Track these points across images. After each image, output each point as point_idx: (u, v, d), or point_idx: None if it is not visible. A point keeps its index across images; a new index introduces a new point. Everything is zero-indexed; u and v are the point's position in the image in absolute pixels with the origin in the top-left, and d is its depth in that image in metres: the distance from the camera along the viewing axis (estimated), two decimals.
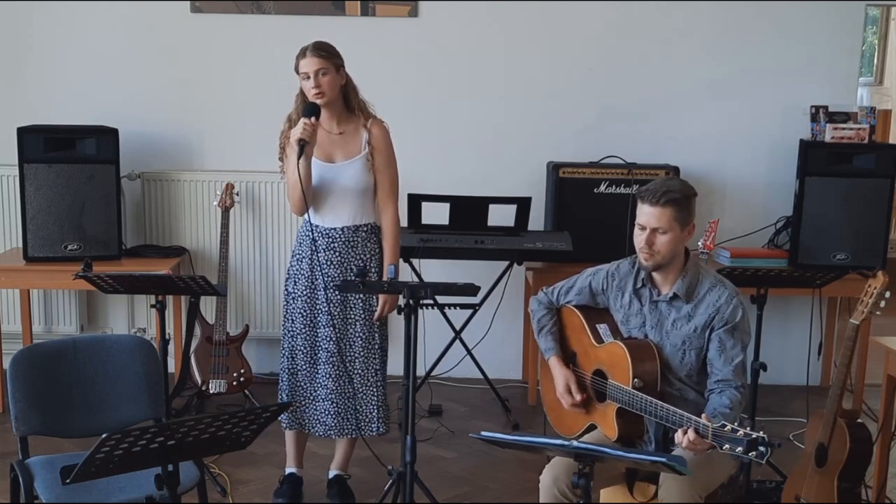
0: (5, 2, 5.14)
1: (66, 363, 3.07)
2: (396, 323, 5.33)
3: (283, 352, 3.74)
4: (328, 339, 3.66)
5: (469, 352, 4.87)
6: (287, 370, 3.72)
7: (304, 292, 3.67)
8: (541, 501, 2.93)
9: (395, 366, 5.14)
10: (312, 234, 3.61)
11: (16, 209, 4.94)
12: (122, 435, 2.13)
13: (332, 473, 3.88)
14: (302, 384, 3.71)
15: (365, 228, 3.67)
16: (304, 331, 3.68)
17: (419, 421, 4.56)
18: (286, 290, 3.74)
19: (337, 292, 3.62)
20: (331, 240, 3.62)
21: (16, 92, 5.21)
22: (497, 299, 4.82)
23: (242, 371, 4.74)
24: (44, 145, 4.64)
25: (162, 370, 3.23)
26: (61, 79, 5.21)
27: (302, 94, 3.60)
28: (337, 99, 3.59)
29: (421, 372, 4.56)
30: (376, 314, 3.69)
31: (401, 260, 4.62)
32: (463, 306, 4.39)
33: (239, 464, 4.15)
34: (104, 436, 2.12)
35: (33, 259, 4.67)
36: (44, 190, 4.64)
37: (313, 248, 3.62)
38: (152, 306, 3.62)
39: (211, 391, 4.71)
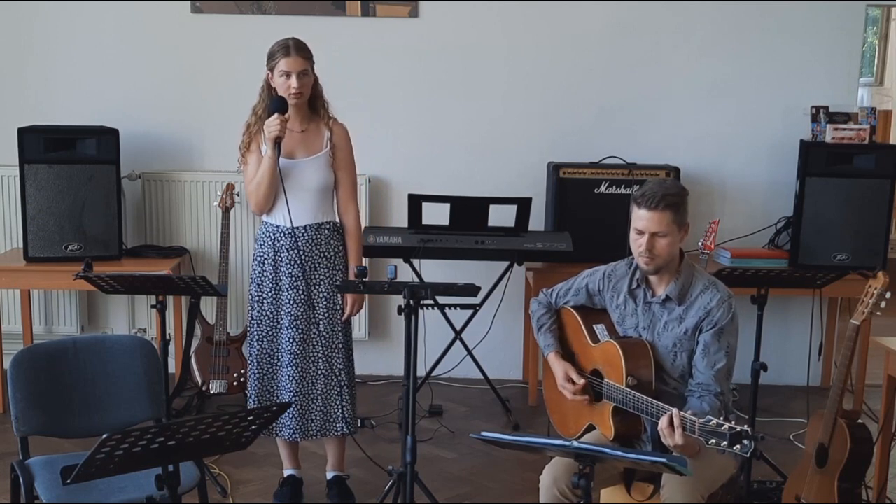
0: (5, 1, 5.14)
1: (66, 363, 3.07)
2: (396, 323, 5.37)
3: (249, 357, 3.72)
4: (291, 340, 3.63)
5: (469, 352, 4.87)
6: (254, 375, 3.70)
7: (269, 294, 3.65)
8: (541, 501, 2.93)
9: (396, 366, 5.18)
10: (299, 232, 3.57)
11: (16, 209, 4.95)
12: (122, 435, 2.13)
13: (330, 475, 3.87)
14: (267, 388, 3.69)
15: (327, 226, 3.65)
16: (269, 333, 3.66)
17: (420, 421, 4.57)
18: (250, 294, 3.71)
19: (301, 292, 3.60)
20: (294, 239, 3.59)
21: (16, 92, 5.22)
22: (497, 300, 4.82)
23: (243, 371, 4.74)
24: (44, 145, 4.64)
25: (162, 370, 3.23)
26: (62, 79, 5.21)
27: (268, 87, 3.58)
28: (306, 99, 3.59)
29: (421, 372, 4.56)
30: (345, 315, 3.67)
31: (401, 260, 4.67)
32: (463, 307, 4.40)
33: (239, 464, 4.15)
34: (105, 436, 2.12)
35: (34, 259, 4.67)
36: (44, 190, 4.64)
37: (275, 249, 3.61)
38: (153, 306, 3.62)
39: (211, 391, 4.71)
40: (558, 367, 3.16)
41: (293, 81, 3.49)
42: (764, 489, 3.83)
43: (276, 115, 3.46)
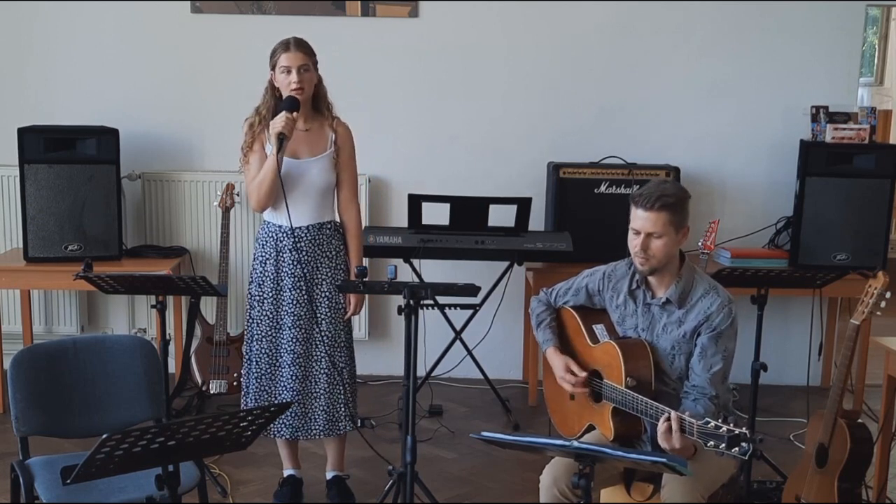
0: (5, 1, 5.14)
1: (66, 363, 3.07)
2: (396, 323, 5.37)
3: (247, 356, 3.72)
4: (294, 340, 3.63)
5: (469, 352, 4.87)
6: (253, 375, 3.70)
7: (270, 294, 3.65)
8: (541, 501, 2.93)
9: (396, 366, 5.18)
10: (298, 232, 3.58)
11: (16, 209, 4.95)
12: (122, 435, 2.13)
13: (330, 475, 3.88)
14: (266, 388, 3.68)
15: (329, 226, 3.66)
16: (269, 333, 3.67)
17: (419, 421, 4.57)
18: (250, 294, 3.71)
19: (303, 292, 3.60)
20: (296, 239, 3.59)
21: (16, 92, 5.22)
22: (497, 300, 4.82)
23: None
24: (44, 145, 4.64)
25: (162, 370, 3.23)
26: (62, 79, 5.21)
27: (272, 87, 3.58)
28: (309, 97, 3.59)
29: (421, 372, 4.57)
30: (348, 313, 3.68)
31: (401, 260, 4.67)
32: (463, 307, 4.40)
33: (239, 464, 4.15)
34: (105, 436, 2.12)
35: (34, 259, 4.67)
36: (44, 190, 4.64)
37: (277, 249, 3.62)
38: (153, 307, 3.61)
39: (211, 391, 4.71)
40: (558, 360, 3.14)
41: (293, 76, 3.49)
42: (764, 489, 3.83)
43: (284, 112, 3.46)
